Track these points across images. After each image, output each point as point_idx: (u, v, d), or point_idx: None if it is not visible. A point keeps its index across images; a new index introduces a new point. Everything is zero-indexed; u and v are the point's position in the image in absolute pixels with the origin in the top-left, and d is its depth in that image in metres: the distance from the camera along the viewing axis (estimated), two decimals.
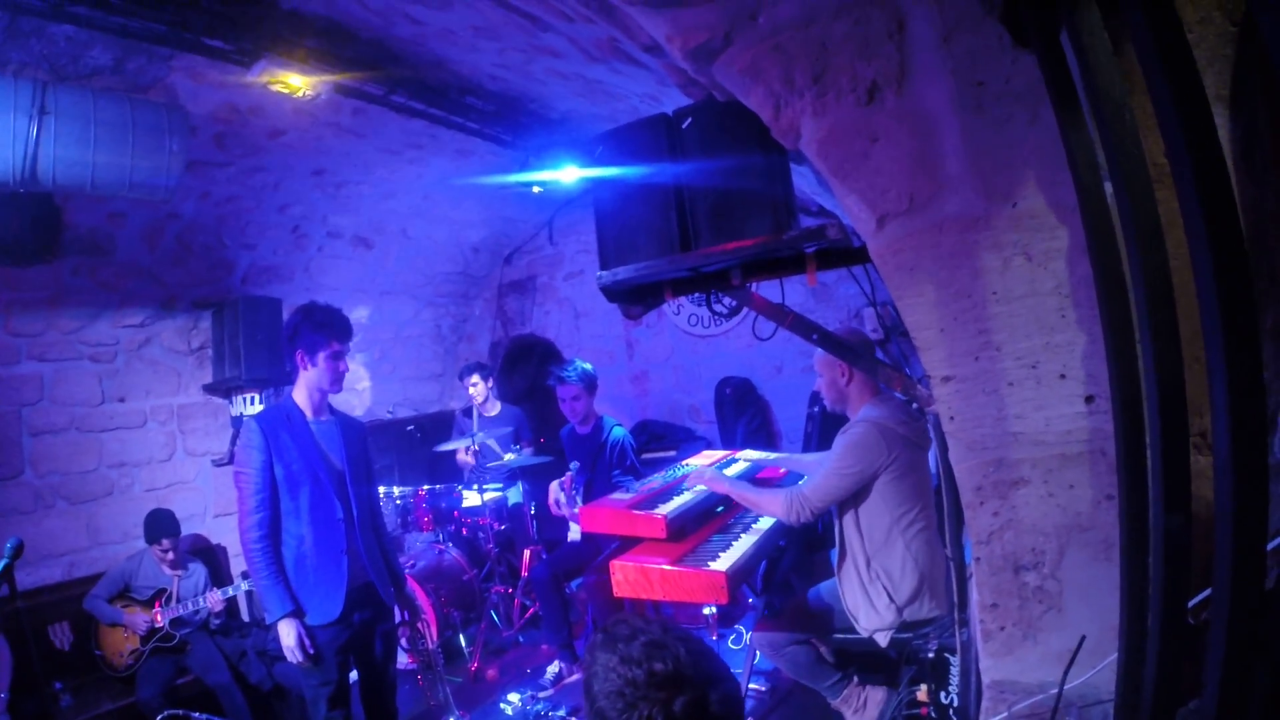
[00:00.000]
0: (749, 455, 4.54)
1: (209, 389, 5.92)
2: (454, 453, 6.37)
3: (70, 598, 4.90)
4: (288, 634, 3.27)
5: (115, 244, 4.83)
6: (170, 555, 4.81)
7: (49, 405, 5.07)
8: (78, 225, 4.56)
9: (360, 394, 7.27)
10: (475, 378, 6.32)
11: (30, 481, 4.99)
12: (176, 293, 5.45)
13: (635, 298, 3.07)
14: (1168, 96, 1.04)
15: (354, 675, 3.67)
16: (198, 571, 4.98)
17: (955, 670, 2.82)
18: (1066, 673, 1.78)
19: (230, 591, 4.79)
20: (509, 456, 5.67)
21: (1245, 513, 1.10)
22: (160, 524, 4.82)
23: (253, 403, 5.78)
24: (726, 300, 3.11)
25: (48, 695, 4.27)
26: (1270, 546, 1.35)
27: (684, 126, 2.65)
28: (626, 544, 3.59)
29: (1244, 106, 1.55)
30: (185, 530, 5.24)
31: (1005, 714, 1.92)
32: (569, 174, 5.48)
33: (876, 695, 3.45)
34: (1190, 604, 1.42)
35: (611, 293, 2.94)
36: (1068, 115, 1.52)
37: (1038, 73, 1.61)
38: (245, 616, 5.82)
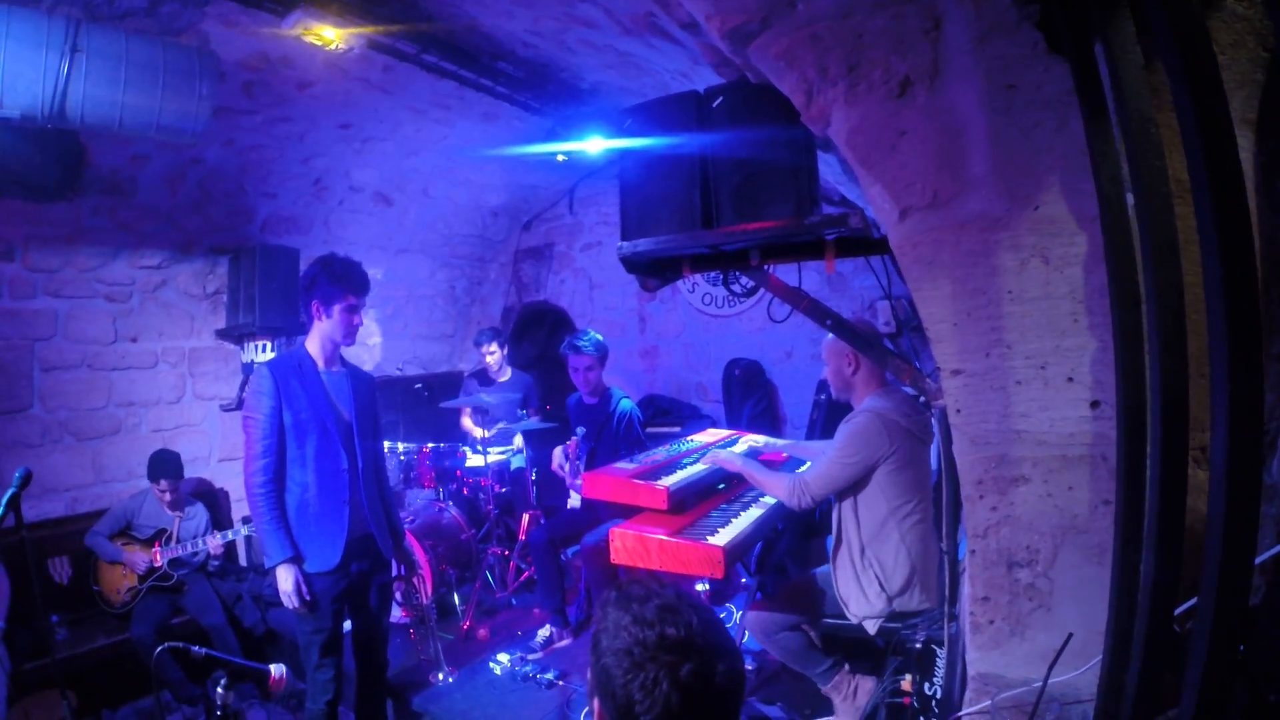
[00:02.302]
0: (753, 438, 4.57)
1: (221, 334, 5.96)
2: (459, 413, 6.43)
3: (71, 533, 4.95)
4: (285, 579, 3.32)
5: (137, 186, 4.85)
6: (168, 496, 4.87)
7: (62, 341, 5.10)
8: (100, 165, 4.57)
9: (371, 349, 7.31)
10: (494, 345, 6.38)
11: (39, 416, 5.04)
12: (195, 237, 5.47)
13: (653, 270, 3.09)
14: (1192, 115, 1.05)
15: (348, 625, 3.73)
16: (199, 514, 5.04)
17: (941, 663, 2.85)
18: (1051, 668, 1.82)
19: (230, 535, 4.85)
20: (518, 441, 5.73)
21: (1236, 528, 1.12)
22: (163, 464, 4.88)
23: (264, 350, 5.80)
24: (744, 280, 3.13)
25: (45, 628, 4.33)
26: (1258, 561, 1.38)
27: (714, 105, 2.66)
28: (626, 514, 3.63)
29: (1270, 133, 1.56)
30: (189, 473, 5.34)
31: (988, 703, 1.96)
32: (594, 144, 5.47)
33: (866, 684, 3.49)
34: (1177, 612, 1.45)
35: (631, 264, 2.96)
36: (1095, 125, 1.54)
37: (1069, 81, 1.62)
38: (244, 561, 5.89)
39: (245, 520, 4.96)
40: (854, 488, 3.27)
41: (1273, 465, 1.57)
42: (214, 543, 4.76)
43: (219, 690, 2.38)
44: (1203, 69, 1.04)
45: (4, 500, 2.58)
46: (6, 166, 4.09)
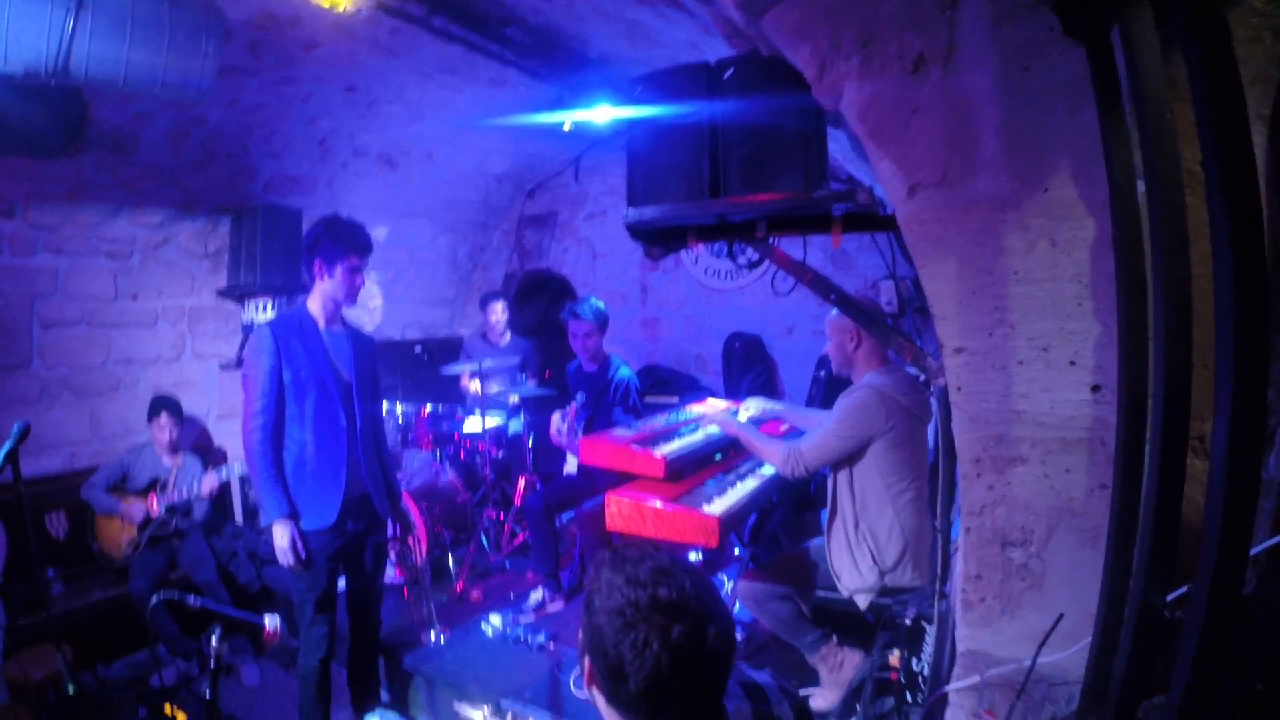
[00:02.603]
0: (756, 405, 4.57)
1: (222, 293, 5.96)
2: (459, 377, 6.43)
3: (68, 488, 4.99)
4: (281, 536, 3.35)
5: (139, 144, 4.81)
6: (167, 435, 4.93)
7: (61, 298, 5.10)
8: (103, 122, 4.53)
9: (372, 312, 7.30)
10: (500, 303, 6.40)
11: (38, 372, 5.04)
12: (197, 196, 5.44)
13: (659, 239, 3.09)
14: (1209, 105, 1.05)
15: (342, 584, 3.77)
16: (193, 464, 5.08)
17: (930, 640, 2.88)
18: (1041, 647, 1.84)
19: (224, 474, 4.88)
20: (514, 399, 5.72)
21: (1233, 517, 1.13)
22: (164, 402, 4.98)
23: (265, 309, 5.81)
24: (749, 252, 3.12)
25: (41, 583, 4.36)
26: (1254, 552, 1.39)
27: (725, 76, 2.64)
28: (623, 480, 3.65)
29: None
30: (187, 432, 5.38)
31: (977, 679, 1.99)
32: (601, 114, 5.42)
33: (854, 658, 3.53)
34: (1169, 598, 1.46)
35: (636, 231, 2.95)
36: (1109, 112, 1.54)
37: (1084, 68, 1.62)
38: (239, 511, 5.92)
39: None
40: (849, 461, 3.29)
41: (1269, 461, 1.58)
42: (209, 480, 4.80)
43: (213, 642, 2.41)
44: (1221, 57, 1.04)
45: (2, 453, 2.59)
46: (9, 123, 4.05)
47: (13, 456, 2.63)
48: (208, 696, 2.41)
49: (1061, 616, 1.87)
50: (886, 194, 2.24)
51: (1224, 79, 1.05)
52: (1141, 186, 1.47)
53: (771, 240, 2.89)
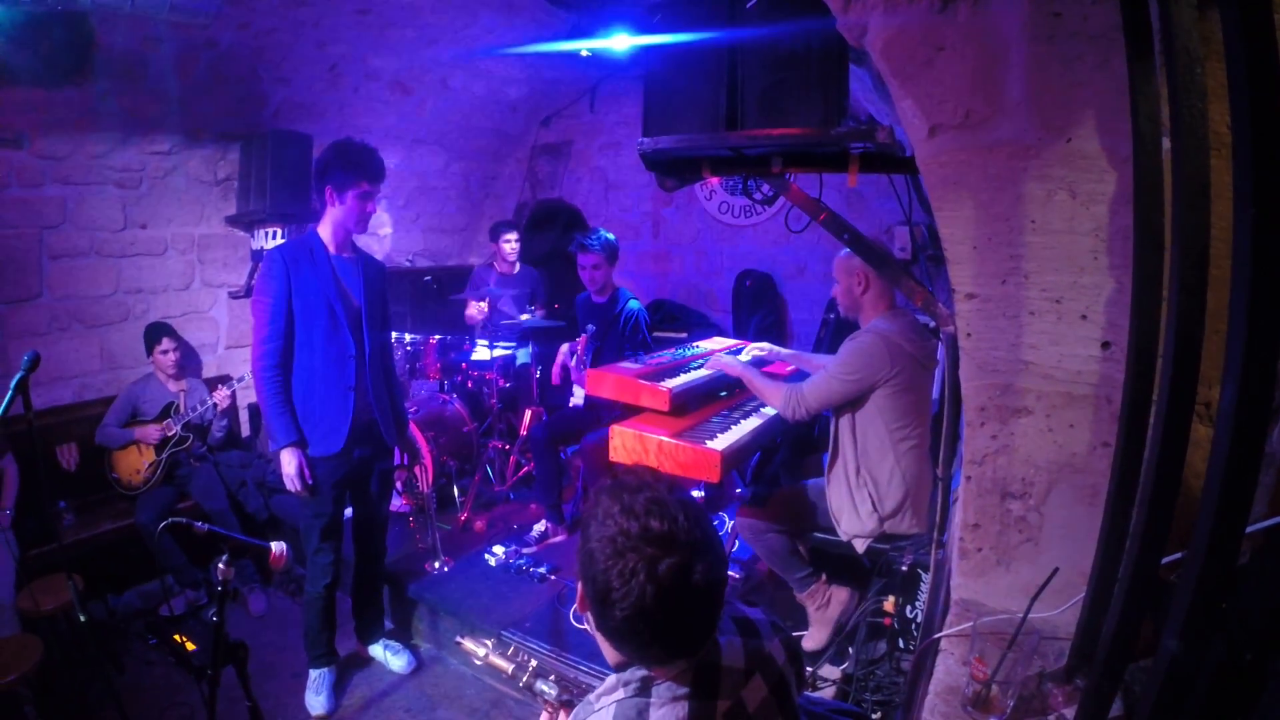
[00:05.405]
0: (759, 346, 4.56)
1: (231, 221, 5.90)
2: (466, 306, 6.40)
3: (79, 419, 5.01)
4: (289, 463, 3.39)
5: (148, 69, 4.71)
6: (171, 357, 4.96)
7: (70, 229, 5.05)
8: (111, 48, 4.42)
9: (382, 240, 7.26)
10: (513, 234, 6.36)
11: (47, 304, 5.02)
12: (206, 123, 5.35)
13: (673, 170, 3.04)
14: (1243, 64, 1.01)
15: (349, 512, 3.82)
16: (199, 387, 5.14)
17: (924, 587, 2.91)
18: (1034, 600, 1.84)
19: (233, 385, 4.93)
20: (524, 316, 5.71)
21: (1234, 484, 1.11)
22: (160, 327, 5.01)
23: (274, 237, 5.77)
24: (764, 188, 3.08)
25: (51, 514, 4.39)
26: (1250, 530, 1.38)
27: (748, 5, 2.57)
28: (627, 413, 3.66)
29: None
30: (193, 361, 5.43)
31: (969, 627, 2.00)
32: (619, 42, 5.30)
33: (840, 595, 3.57)
34: (1164, 562, 1.45)
35: (651, 160, 2.91)
36: (1139, 64, 1.50)
37: (1116, 18, 1.56)
38: (246, 433, 5.98)
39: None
40: (852, 406, 3.27)
41: (1274, 434, 1.56)
42: (221, 394, 4.85)
43: (220, 567, 2.44)
44: (1261, 17, 1.00)
45: (12, 384, 2.59)
46: (15, 51, 3.96)
47: (23, 388, 2.62)
48: (215, 621, 2.45)
49: (1056, 571, 1.87)
50: (906, 134, 2.19)
51: (1261, 39, 1.01)
52: (1166, 144, 1.43)
53: (787, 176, 2.85)
